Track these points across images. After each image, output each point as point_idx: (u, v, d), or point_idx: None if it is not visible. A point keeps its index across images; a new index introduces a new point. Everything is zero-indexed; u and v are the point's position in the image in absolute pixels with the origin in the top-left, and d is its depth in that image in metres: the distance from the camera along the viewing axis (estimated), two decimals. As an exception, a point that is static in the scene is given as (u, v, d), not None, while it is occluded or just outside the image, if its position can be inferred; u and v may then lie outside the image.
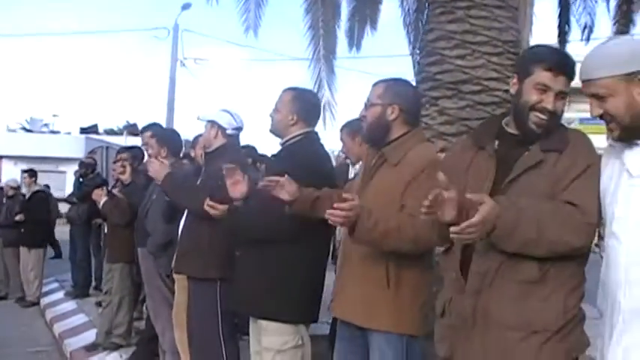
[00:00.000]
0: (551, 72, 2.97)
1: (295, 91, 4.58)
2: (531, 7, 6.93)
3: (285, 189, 3.82)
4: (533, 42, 7.41)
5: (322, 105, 8.50)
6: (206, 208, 4.63)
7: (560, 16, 9.40)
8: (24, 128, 66.85)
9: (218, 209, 4.58)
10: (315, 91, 8.40)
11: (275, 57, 47.54)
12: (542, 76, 2.97)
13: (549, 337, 2.88)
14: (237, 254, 4.58)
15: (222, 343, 5.21)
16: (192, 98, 74.59)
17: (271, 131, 4.65)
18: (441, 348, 3.22)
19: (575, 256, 2.91)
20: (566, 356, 2.92)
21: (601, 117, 2.80)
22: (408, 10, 9.34)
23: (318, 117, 4.68)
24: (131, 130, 49.95)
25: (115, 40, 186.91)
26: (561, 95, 3.01)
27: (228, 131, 5.41)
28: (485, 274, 2.95)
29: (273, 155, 4.85)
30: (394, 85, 3.78)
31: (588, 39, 9.27)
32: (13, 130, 62.66)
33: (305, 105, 4.53)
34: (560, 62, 3.01)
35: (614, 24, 9.06)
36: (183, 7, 26.03)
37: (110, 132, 57.64)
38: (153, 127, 7.35)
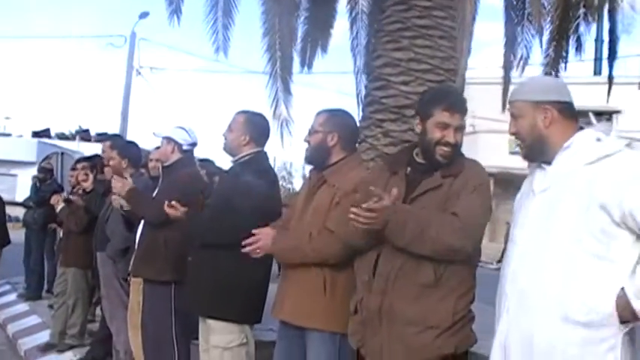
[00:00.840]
0: (449, 111, 3.60)
1: (248, 114, 5.03)
2: (469, 39, 7.37)
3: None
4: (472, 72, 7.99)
5: (280, 122, 8.99)
6: (166, 209, 5.07)
7: (505, 46, 9.98)
8: (-26, 130, 65.90)
9: (178, 210, 5.04)
10: (273, 107, 8.87)
11: (230, 69, 47.36)
12: (442, 115, 3.60)
13: (441, 332, 3.47)
14: (189, 259, 5.03)
15: (175, 342, 5.63)
16: (147, 107, 74.39)
17: (224, 150, 5.09)
18: (352, 341, 3.80)
19: (465, 264, 3.55)
20: (455, 348, 3.51)
21: (515, 136, 3.36)
22: (357, 35, 9.84)
23: (268, 138, 5.12)
24: (83, 135, 49.81)
25: (71, 46, 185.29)
26: (459, 129, 3.63)
27: (184, 147, 5.89)
28: (388, 275, 3.53)
29: (225, 171, 5.32)
30: (334, 115, 4.30)
31: (523, 69, 9.90)
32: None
33: (256, 127, 5.00)
34: (455, 102, 3.68)
35: (545, 57, 9.75)
36: (140, 16, 26.00)
37: (62, 136, 57.07)
38: (113, 138, 7.73)
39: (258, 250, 4.21)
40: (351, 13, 10.01)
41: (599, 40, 15.93)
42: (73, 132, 58.07)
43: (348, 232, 3.63)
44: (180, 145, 5.87)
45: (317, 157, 4.30)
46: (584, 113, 26.01)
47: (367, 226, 3.40)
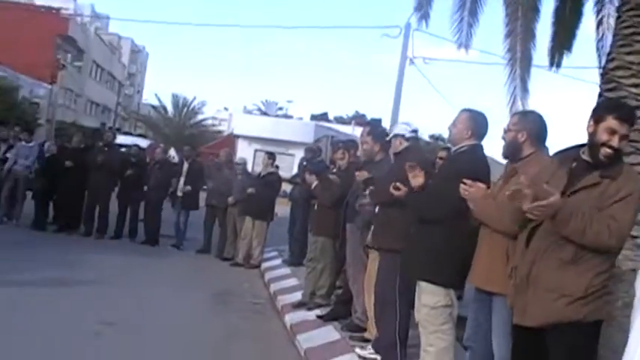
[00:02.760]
0: (619, 120, 4.18)
1: (471, 112, 5.83)
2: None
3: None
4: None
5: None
6: (391, 189, 6.07)
7: None
8: (260, 110, 70.77)
9: (401, 190, 6.02)
10: (510, 103, 9.52)
11: (501, 61, 46.97)
12: (612, 122, 4.18)
13: (573, 300, 4.12)
14: (411, 230, 5.94)
15: (398, 303, 6.60)
16: (419, 95, 76.02)
17: (448, 141, 5.99)
18: (507, 300, 4.54)
19: (604, 252, 4.14)
20: (584, 317, 4.14)
21: None
22: (602, 37, 10.13)
23: (486, 133, 5.88)
24: (359, 120, 51.91)
25: (350, 35, 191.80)
26: (624, 137, 4.21)
27: (407, 135, 6.99)
28: (538, 249, 4.23)
29: (441, 158, 6.19)
30: (525, 115, 5.10)
31: None
32: (250, 112, 66.33)
33: (477, 124, 5.79)
34: (626, 114, 4.25)
35: None
36: (415, 8, 26.97)
37: (339, 120, 59.66)
38: (372, 124, 8.79)
39: (467, 194, 4.99)
40: (597, 16, 10.34)
41: None
42: (350, 116, 60.53)
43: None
44: (403, 135, 6.98)
45: (510, 152, 5.09)
46: None
47: (538, 217, 4.14)
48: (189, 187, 15.30)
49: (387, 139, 7.50)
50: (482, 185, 5.02)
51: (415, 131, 7.14)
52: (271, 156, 14.55)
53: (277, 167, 15.80)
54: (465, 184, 4.91)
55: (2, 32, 45.44)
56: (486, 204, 4.95)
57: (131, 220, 15.87)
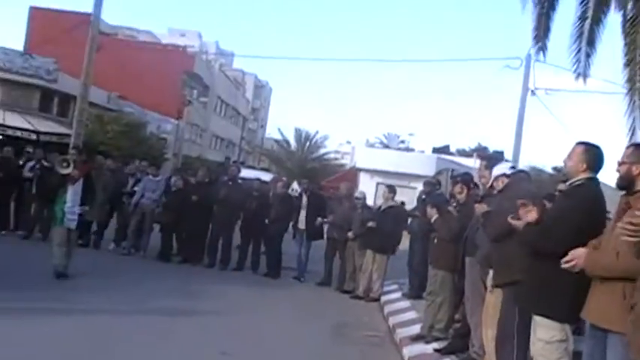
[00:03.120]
0: None
1: (586, 145, 5.79)
2: None
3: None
4: None
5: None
6: (510, 220, 6.12)
7: None
8: (382, 143, 71.12)
9: (518, 223, 6.03)
10: (629, 134, 9.31)
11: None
12: None
13: None
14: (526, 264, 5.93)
15: (515, 337, 6.54)
16: (541, 127, 74.53)
17: (564, 174, 5.95)
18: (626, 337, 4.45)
19: None
20: None
21: None
22: None
23: (601, 167, 5.82)
24: (480, 153, 51.45)
25: (469, 68, 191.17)
26: None
27: (507, 172, 7.40)
28: None
29: (560, 191, 6.15)
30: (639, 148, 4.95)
31: None
32: (372, 145, 66.71)
33: (593, 157, 5.74)
34: None
35: None
36: (533, 40, 26.72)
37: (462, 152, 59.30)
38: (489, 158, 8.87)
39: (574, 265, 4.98)
40: None
41: None
42: (472, 148, 60.08)
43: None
44: (503, 174, 7.48)
45: (624, 184, 4.99)
46: None
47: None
48: (320, 219, 15.53)
49: (489, 183, 7.61)
50: (581, 252, 5.00)
51: (513, 167, 7.20)
52: (391, 189, 14.60)
53: (403, 203, 15.96)
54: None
55: (130, 70, 47.46)
56: (594, 258, 4.92)
57: (253, 252, 16.21)
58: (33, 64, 36.57)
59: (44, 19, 50.71)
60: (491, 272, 7.23)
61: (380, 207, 14.94)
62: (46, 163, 16.35)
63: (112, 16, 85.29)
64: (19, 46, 48.99)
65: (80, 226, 12.74)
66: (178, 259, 16.23)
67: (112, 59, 39.42)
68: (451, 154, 55.68)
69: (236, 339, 9.20)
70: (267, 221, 15.94)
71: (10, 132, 33.43)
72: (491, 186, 7.75)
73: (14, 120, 34.55)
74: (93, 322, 9.18)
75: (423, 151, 57.52)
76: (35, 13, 55.09)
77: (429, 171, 34.91)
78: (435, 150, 55.94)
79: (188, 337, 8.97)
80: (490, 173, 7.92)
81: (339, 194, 16.41)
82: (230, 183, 16.68)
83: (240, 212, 16.36)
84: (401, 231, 14.62)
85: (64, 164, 11.95)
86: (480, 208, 7.68)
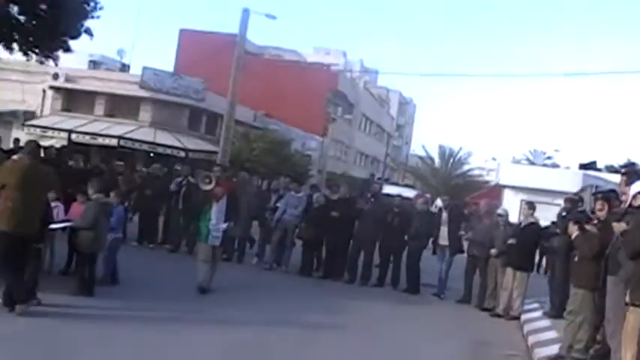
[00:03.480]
0: None
1: None
2: None
3: None
4: None
5: None
6: None
7: None
8: (528, 160, 69.82)
9: None
10: None
11: None
12: None
13: None
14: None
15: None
16: None
17: None
18: None
19: None
20: None
21: None
22: None
23: None
24: (629, 169, 49.61)
25: (620, 80, 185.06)
26: None
27: None
28: None
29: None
30: None
31: None
32: (518, 162, 65.63)
33: None
34: None
35: None
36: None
37: (610, 169, 57.44)
38: (629, 174, 8.64)
39: None
40: None
41: None
42: (621, 164, 58.08)
43: None
44: None
45: None
46: None
47: None
48: (462, 233, 15.50)
49: (629, 200, 7.43)
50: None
51: None
52: (531, 205, 14.39)
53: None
54: None
55: (275, 88, 48.55)
56: None
57: (394, 268, 16.31)
58: (182, 84, 38.15)
59: (193, 40, 52.85)
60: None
61: (520, 223, 14.76)
62: (192, 180, 17.02)
63: (259, 36, 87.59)
64: (170, 67, 51.13)
65: (224, 241, 13.16)
66: (319, 275, 16.50)
67: (258, 78, 40.56)
68: (599, 170, 53.98)
69: (376, 353, 9.38)
70: (406, 237, 16.02)
71: (160, 149, 34.98)
72: (631, 204, 7.57)
73: (164, 138, 36.12)
74: (231, 333, 9.47)
75: (568, 167, 56.09)
76: (184, 34, 57.45)
77: (575, 187, 33.93)
78: (582, 166, 54.24)
79: (321, 352, 9.18)
80: (630, 189, 7.76)
81: (479, 211, 16.32)
82: (372, 199, 16.86)
83: (381, 228, 16.48)
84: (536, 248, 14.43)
85: (206, 180, 12.42)
86: (619, 227, 7.51)
